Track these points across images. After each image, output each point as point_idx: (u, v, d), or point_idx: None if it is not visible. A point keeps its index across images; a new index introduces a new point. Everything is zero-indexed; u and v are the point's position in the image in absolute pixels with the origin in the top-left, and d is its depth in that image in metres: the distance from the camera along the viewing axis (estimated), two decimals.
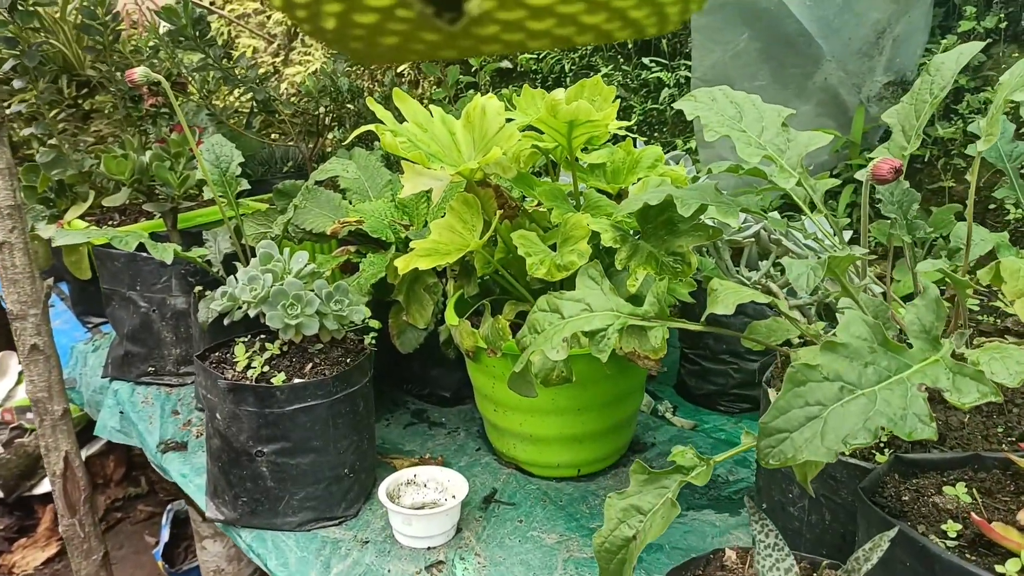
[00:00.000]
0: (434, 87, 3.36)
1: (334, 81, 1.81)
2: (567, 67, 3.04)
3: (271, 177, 2.29)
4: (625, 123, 1.14)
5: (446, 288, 1.48)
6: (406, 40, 0.30)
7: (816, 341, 0.97)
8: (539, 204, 1.35)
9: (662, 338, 0.96)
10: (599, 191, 1.28)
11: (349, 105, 1.83)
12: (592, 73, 2.96)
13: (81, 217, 1.92)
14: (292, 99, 2.03)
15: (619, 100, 2.91)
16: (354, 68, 1.93)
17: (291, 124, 2.01)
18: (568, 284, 1.14)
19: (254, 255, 1.52)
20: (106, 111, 2.09)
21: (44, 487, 3.09)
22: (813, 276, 0.73)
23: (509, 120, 1.16)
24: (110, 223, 1.87)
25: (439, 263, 1.09)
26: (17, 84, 1.69)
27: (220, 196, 1.44)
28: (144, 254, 1.51)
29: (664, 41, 2.69)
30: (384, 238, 1.50)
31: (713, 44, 2.29)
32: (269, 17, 5.47)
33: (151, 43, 1.77)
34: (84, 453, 3.06)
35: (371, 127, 1.10)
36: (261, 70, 1.99)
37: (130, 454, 3.19)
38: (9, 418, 3.30)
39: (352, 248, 1.58)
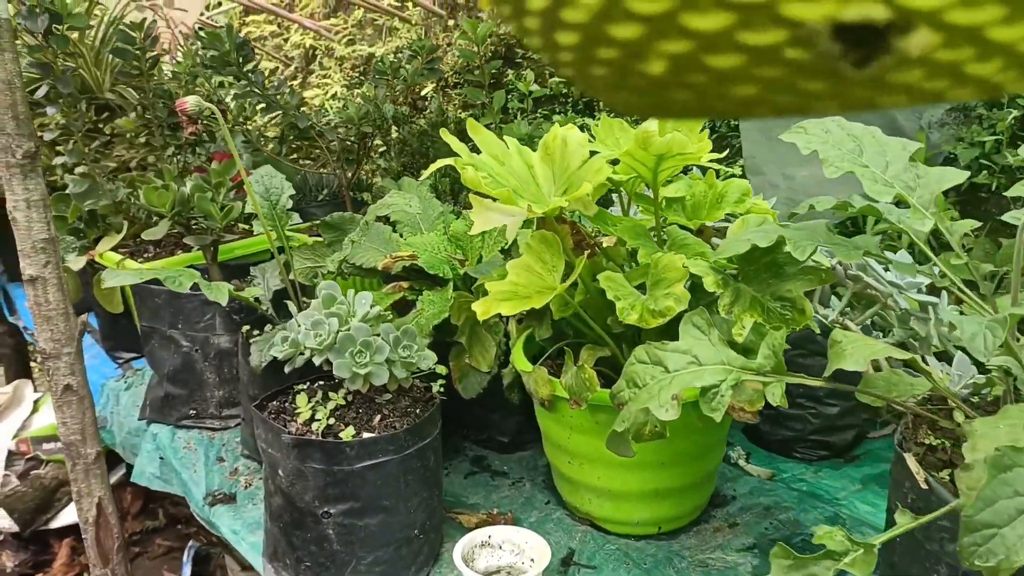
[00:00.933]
0: (459, 111, 3.29)
1: (379, 108, 1.74)
2: None
3: (305, 206, 2.21)
4: (717, 155, 1.06)
5: (507, 327, 1.40)
6: (770, 90, 0.21)
7: (952, 400, 0.88)
8: (600, 237, 1.28)
9: (781, 395, 0.87)
10: (680, 227, 1.20)
11: (394, 133, 1.75)
12: None
13: (114, 249, 1.84)
14: (313, 122, 1.95)
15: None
16: (399, 92, 1.85)
17: (328, 151, 1.94)
18: (652, 333, 1.06)
19: (304, 292, 1.44)
20: (127, 136, 2.02)
21: (60, 521, 3.00)
22: (991, 336, 0.65)
23: (593, 153, 1.08)
24: (145, 256, 1.80)
25: (522, 308, 1.01)
26: (50, 111, 1.62)
27: (270, 230, 1.36)
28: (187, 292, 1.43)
29: None
30: (441, 274, 1.42)
31: None
32: (286, 40, 5.44)
33: (189, 69, 1.70)
34: None
35: (449, 161, 1.02)
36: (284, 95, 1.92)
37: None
38: (24, 448, 3.21)
39: (405, 284, 1.50)
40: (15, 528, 2.89)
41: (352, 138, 1.90)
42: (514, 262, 1.08)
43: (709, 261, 1.02)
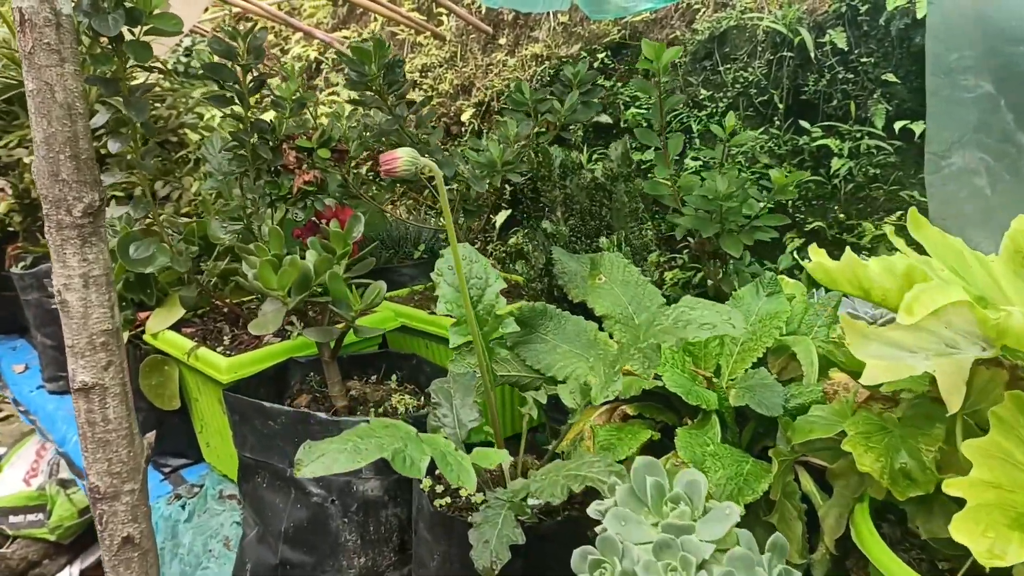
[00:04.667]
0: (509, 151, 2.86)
1: (548, 154, 1.31)
2: (694, 126, 2.58)
3: (397, 264, 1.77)
4: None
5: (803, 489, 0.99)
6: None
7: None
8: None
9: None
10: None
11: (560, 188, 1.32)
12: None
13: (175, 328, 1.37)
14: (461, 169, 1.52)
15: (766, 167, 2.41)
16: (544, 131, 1.43)
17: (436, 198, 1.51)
18: None
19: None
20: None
21: None
22: None
23: None
24: (224, 340, 1.33)
25: None
26: (113, 146, 1.16)
27: (476, 335, 0.92)
28: (320, 414, 1.00)
29: (837, 100, 2.25)
30: (704, 405, 0.99)
31: (957, 109, 1.88)
32: (285, 51, 4.96)
33: (295, 95, 1.26)
34: (79, 566, 2.48)
35: (960, 296, 0.60)
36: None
37: None
38: None
39: (631, 411, 1.07)
40: None
41: (482, 186, 1.47)
42: (977, 447, 0.67)
43: None
